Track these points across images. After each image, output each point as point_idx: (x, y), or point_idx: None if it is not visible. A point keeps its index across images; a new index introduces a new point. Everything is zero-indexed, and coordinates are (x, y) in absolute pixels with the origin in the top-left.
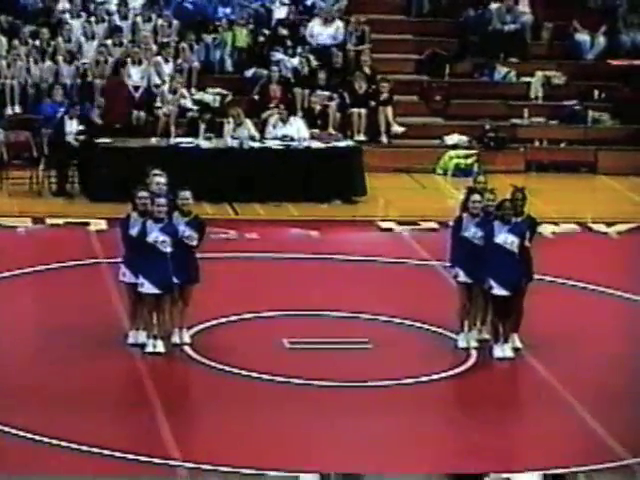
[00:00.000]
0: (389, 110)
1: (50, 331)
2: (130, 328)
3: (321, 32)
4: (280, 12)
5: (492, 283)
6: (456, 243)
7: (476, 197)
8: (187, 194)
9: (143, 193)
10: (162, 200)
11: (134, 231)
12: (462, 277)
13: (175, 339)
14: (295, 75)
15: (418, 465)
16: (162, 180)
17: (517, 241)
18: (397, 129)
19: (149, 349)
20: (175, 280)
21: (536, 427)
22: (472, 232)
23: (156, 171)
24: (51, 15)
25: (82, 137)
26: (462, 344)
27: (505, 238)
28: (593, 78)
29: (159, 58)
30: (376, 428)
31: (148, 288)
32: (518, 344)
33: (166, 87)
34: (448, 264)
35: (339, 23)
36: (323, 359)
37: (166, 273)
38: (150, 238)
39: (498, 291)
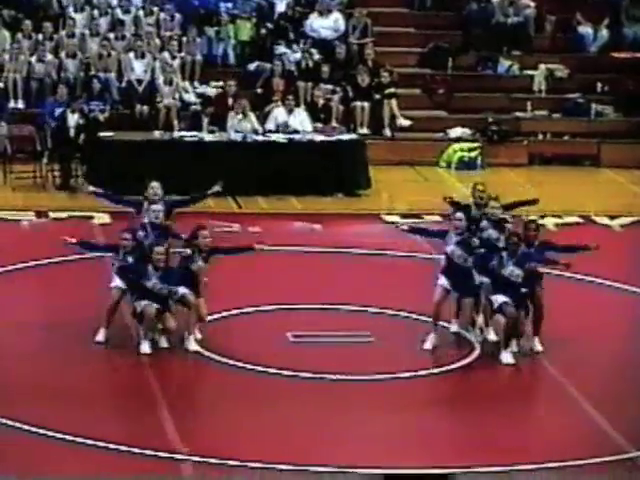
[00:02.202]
0: (394, 103)
1: (54, 325)
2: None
3: (319, 25)
4: (282, 5)
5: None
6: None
7: (459, 215)
8: (205, 233)
9: (126, 235)
10: (161, 249)
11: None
12: (444, 282)
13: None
14: (298, 68)
15: (421, 459)
16: (158, 192)
17: (522, 273)
18: (403, 122)
19: (144, 349)
20: (181, 290)
21: (541, 421)
22: (451, 249)
23: (153, 183)
24: (53, 9)
25: (81, 133)
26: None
27: (511, 271)
28: (596, 71)
29: (166, 54)
30: (380, 422)
31: (146, 304)
32: (539, 347)
33: (161, 79)
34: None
35: (337, 14)
36: (327, 353)
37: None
38: (149, 284)
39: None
